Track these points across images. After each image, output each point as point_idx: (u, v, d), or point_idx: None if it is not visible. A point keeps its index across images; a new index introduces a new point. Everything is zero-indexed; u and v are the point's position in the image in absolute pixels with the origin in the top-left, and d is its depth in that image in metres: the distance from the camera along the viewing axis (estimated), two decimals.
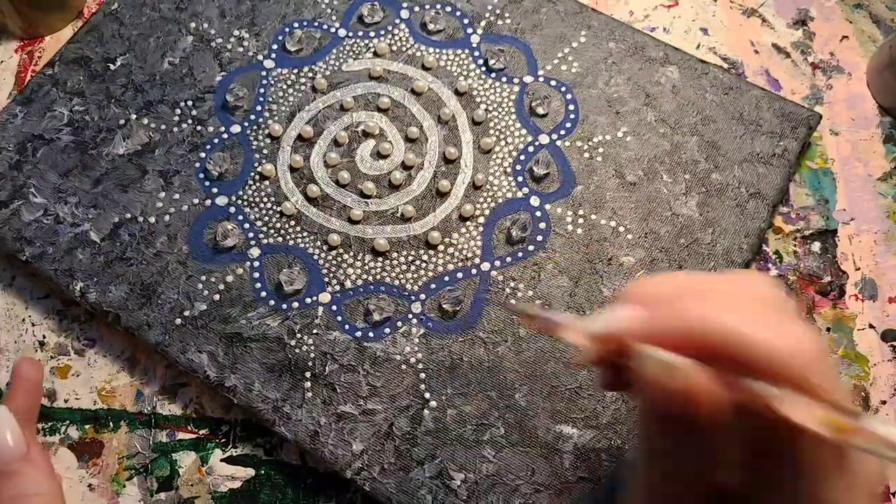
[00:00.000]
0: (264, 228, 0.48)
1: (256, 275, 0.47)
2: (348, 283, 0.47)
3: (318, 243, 0.48)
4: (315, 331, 0.46)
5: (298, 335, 0.46)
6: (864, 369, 0.47)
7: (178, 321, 0.46)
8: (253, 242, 0.48)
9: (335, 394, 0.45)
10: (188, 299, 0.47)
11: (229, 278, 0.47)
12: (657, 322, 0.27)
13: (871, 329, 0.48)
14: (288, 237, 0.48)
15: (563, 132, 0.50)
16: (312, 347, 0.45)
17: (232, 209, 0.49)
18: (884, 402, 0.46)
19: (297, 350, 0.45)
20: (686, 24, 0.57)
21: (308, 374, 0.45)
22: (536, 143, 0.50)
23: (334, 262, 0.48)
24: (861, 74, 0.55)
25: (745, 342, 0.25)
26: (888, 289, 0.49)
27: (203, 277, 0.47)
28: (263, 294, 0.47)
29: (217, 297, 0.47)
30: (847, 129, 0.53)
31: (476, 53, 0.53)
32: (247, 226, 0.48)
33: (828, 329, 0.48)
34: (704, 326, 0.26)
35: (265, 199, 0.49)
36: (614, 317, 0.28)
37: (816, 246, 0.50)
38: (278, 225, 0.48)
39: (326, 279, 0.47)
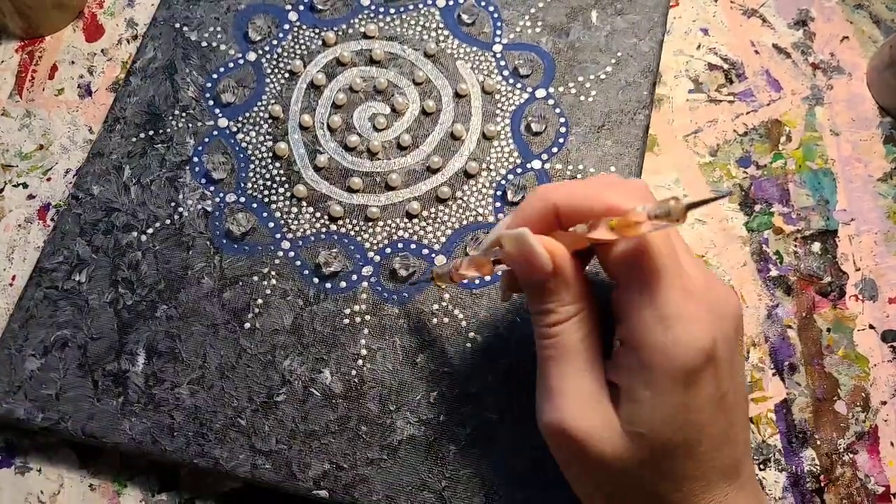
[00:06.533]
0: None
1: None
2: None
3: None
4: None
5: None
6: (864, 370, 0.47)
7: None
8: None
9: None
10: None
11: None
12: (518, 213, 0.36)
13: (872, 330, 0.48)
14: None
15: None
16: None
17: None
18: (884, 403, 0.47)
19: None
20: (686, 25, 0.57)
21: None
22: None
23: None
24: (861, 75, 0.55)
25: (564, 198, 0.34)
26: (888, 289, 0.49)
27: None
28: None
29: None
30: (847, 129, 0.53)
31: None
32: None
33: (828, 330, 0.48)
34: (542, 196, 0.35)
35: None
36: (495, 228, 0.38)
37: (817, 246, 0.50)
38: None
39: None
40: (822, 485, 0.45)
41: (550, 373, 0.34)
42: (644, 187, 0.35)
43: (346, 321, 0.46)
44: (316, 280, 0.47)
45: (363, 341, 0.46)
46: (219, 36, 0.55)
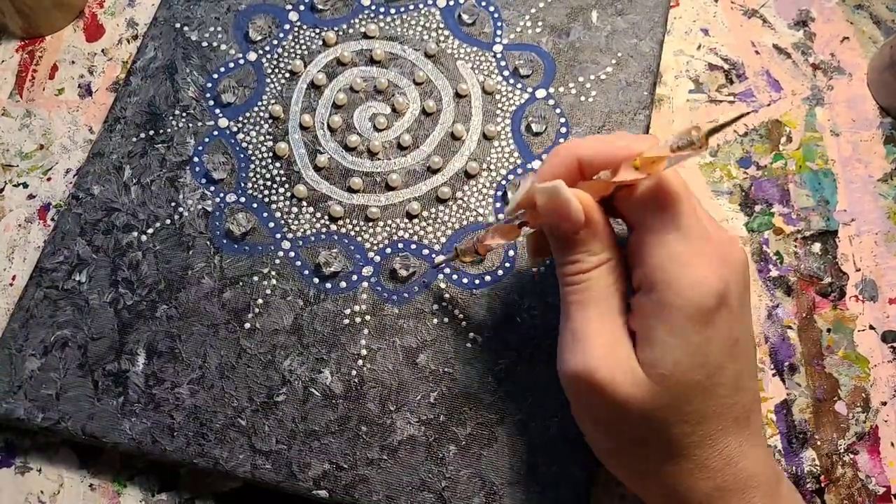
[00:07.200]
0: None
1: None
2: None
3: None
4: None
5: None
6: (864, 370, 0.47)
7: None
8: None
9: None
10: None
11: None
12: (544, 169, 0.37)
13: (872, 330, 0.48)
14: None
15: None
16: None
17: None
18: (884, 404, 0.47)
19: None
20: (687, 25, 0.57)
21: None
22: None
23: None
24: (862, 75, 0.55)
25: (588, 150, 0.35)
26: (889, 290, 0.49)
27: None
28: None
29: None
30: (848, 129, 0.53)
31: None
32: None
33: (828, 330, 0.48)
34: (566, 151, 0.36)
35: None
36: (520, 190, 0.37)
37: (817, 247, 0.50)
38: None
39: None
40: (823, 485, 0.45)
41: (575, 317, 0.35)
42: (657, 139, 0.36)
43: (347, 321, 0.46)
44: (316, 280, 0.47)
45: (363, 341, 0.46)
46: (219, 36, 0.54)
